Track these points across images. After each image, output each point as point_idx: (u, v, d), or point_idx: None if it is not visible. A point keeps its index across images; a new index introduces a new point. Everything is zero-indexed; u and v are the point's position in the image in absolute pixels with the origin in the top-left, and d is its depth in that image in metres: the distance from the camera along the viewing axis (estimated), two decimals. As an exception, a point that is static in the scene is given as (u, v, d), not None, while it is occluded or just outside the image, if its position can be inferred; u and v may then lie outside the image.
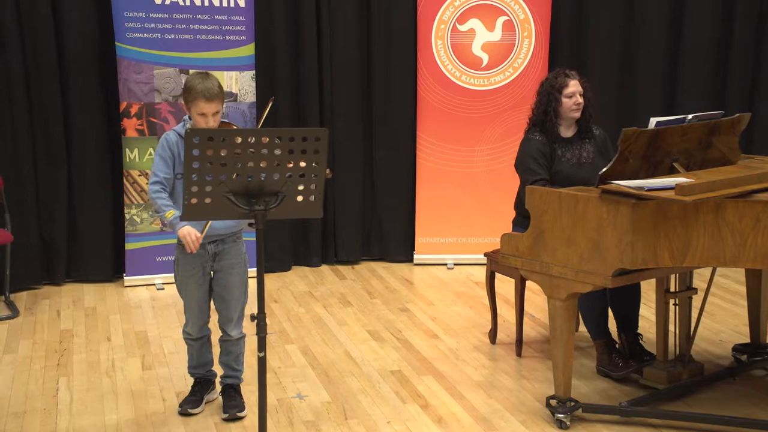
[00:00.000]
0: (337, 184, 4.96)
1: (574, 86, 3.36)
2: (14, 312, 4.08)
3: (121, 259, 4.58)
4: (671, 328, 3.21)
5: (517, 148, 3.49)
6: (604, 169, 2.77)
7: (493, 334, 3.75)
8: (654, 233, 2.66)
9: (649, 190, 2.65)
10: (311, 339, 3.79)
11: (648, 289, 3.46)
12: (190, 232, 2.75)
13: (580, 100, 3.37)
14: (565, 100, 3.35)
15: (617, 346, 3.36)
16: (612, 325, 3.39)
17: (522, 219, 3.35)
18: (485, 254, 3.75)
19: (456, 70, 4.87)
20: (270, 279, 4.66)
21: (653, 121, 2.86)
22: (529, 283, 3.49)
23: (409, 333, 3.88)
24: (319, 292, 4.53)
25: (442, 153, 4.94)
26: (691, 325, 3.22)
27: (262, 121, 2.94)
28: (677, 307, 3.20)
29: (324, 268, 4.98)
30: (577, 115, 3.39)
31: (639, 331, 3.39)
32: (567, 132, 3.44)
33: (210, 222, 2.81)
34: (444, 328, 3.96)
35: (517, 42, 4.85)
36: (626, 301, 3.37)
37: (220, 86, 2.80)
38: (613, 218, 2.69)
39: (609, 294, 3.32)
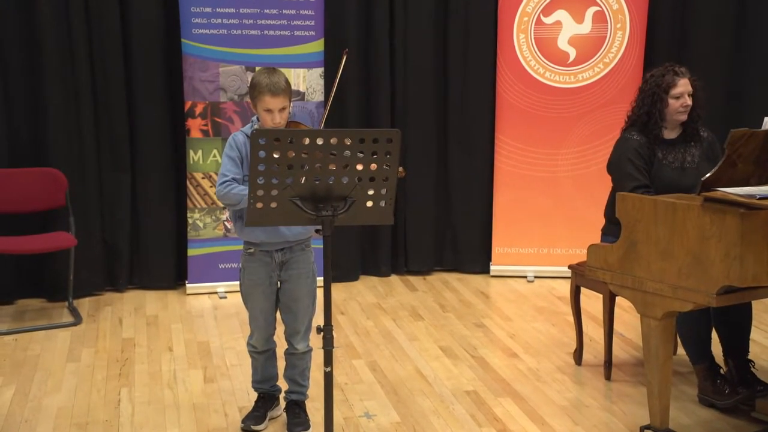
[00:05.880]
0: (410, 188, 4.93)
1: (683, 86, 3.20)
2: (77, 319, 4.22)
3: (183, 266, 4.68)
4: (786, 354, 3.03)
5: (609, 151, 3.37)
6: (708, 175, 2.64)
7: (578, 355, 3.64)
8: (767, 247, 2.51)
9: (762, 198, 2.51)
10: (380, 354, 3.77)
11: (761, 310, 3.28)
12: None
13: (689, 101, 3.21)
14: (671, 101, 3.20)
15: (722, 371, 3.19)
16: (716, 348, 3.23)
17: (612, 227, 3.23)
18: (570, 267, 3.65)
19: (539, 66, 4.77)
20: (337, 289, 4.67)
21: None
22: (618, 299, 3.37)
23: (485, 350, 3.81)
24: (388, 304, 4.51)
25: (522, 156, 4.85)
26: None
27: (338, 77, 2.91)
28: (794, 330, 3.02)
29: (394, 278, 4.96)
30: (684, 117, 3.24)
31: (750, 357, 3.21)
32: (671, 134, 3.30)
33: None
34: (523, 346, 3.87)
35: (608, 35, 4.71)
36: (734, 323, 3.20)
37: (287, 81, 2.81)
38: (717, 229, 2.56)
39: (713, 314, 3.16)
